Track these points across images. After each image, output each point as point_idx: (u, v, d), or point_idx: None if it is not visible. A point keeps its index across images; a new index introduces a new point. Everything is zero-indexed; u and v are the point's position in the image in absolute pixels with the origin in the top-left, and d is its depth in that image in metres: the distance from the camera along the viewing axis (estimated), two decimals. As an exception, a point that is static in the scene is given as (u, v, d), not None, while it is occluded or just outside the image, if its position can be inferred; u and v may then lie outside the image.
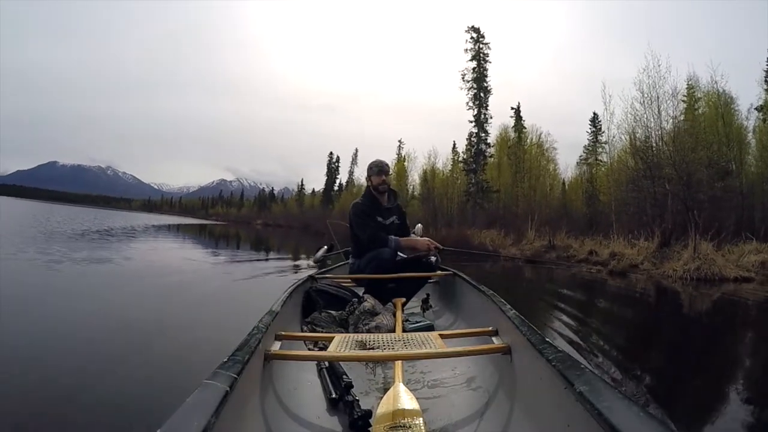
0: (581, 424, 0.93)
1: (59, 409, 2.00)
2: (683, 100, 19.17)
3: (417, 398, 1.46)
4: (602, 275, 10.91)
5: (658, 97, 16.04)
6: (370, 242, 3.31)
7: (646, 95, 16.36)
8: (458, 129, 26.51)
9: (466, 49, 27.27)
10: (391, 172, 3.61)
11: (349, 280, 3.49)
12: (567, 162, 28.41)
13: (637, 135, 17.36)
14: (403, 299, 3.09)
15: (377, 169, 3.44)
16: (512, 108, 28.61)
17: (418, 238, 3.62)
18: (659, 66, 16.09)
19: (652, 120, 16.18)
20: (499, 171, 26.08)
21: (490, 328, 1.94)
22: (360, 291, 3.11)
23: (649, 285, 9.28)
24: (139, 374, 2.49)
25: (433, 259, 3.45)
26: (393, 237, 3.35)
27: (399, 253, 3.37)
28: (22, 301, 4.19)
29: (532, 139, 27.08)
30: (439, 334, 1.86)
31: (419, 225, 4.49)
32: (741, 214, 17.11)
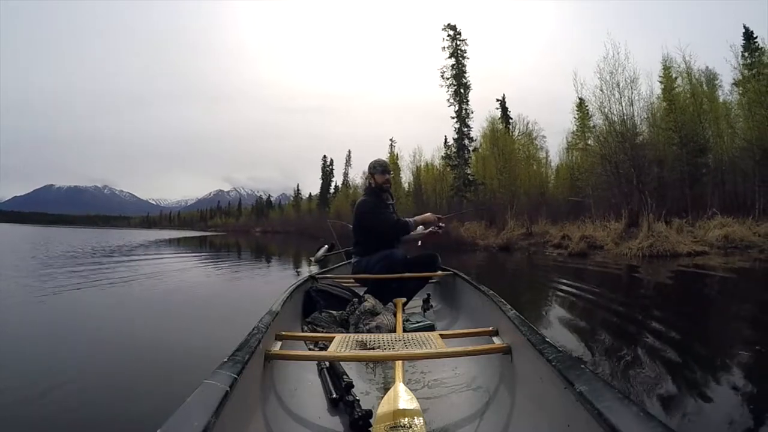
0: (581, 424, 0.95)
1: (63, 411, 2.05)
2: (660, 81, 19.84)
3: (417, 398, 1.48)
4: (563, 257, 11.79)
5: (618, 84, 16.59)
6: (394, 226, 3.39)
7: (606, 82, 16.89)
8: (449, 124, 26.84)
9: (444, 47, 27.72)
10: (392, 172, 3.66)
11: (350, 280, 3.50)
12: (560, 149, 29.01)
13: (598, 121, 18.29)
14: (404, 299, 3.11)
15: (381, 168, 3.47)
16: (497, 100, 29.18)
17: (426, 214, 3.70)
18: (618, 54, 16.64)
19: (613, 105, 16.78)
20: (483, 163, 26.57)
21: (491, 328, 1.95)
22: (361, 291, 3.12)
23: (595, 263, 10.07)
24: (142, 378, 2.54)
25: (442, 225, 3.65)
26: (408, 219, 3.50)
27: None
28: (35, 319, 4.16)
29: (519, 129, 27.74)
30: (440, 334, 1.87)
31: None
32: (722, 189, 17.82)
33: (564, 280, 7.11)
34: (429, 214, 3.69)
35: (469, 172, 26.82)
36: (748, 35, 18.57)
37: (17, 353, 3.11)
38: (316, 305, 2.81)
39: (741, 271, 7.80)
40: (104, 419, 2.00)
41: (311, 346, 2.23)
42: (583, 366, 1.10)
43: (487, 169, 25.83)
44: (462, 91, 27.22)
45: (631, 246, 11.27)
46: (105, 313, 4.53)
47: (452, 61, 27.46)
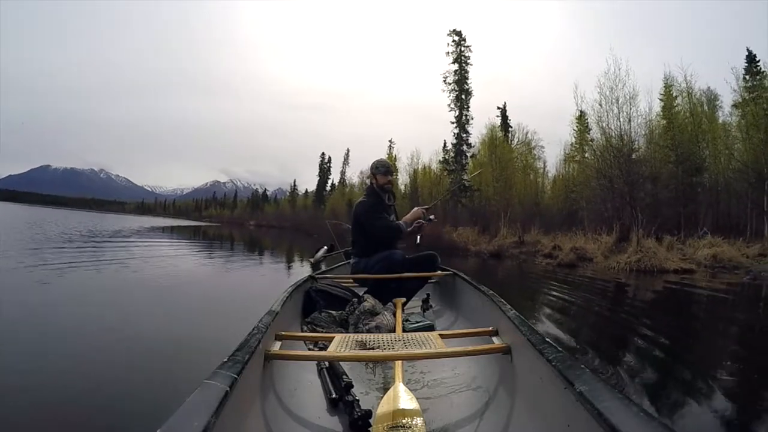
0: (581, 424, 0.95)
1: (62, 411, 2.01)
2: (660, 99, 20.10)
3: (417, 398, 1.49)
4: (551, 267, 11.92)
5: (618, 99, 16.72)
6: (387, 231, 3.38)
7: (605, 97, 17.05)
8: (449, 128, 26.95)
9: (448, 52, 27.81)
10: (394, 173, 3.69)
11: (350, 280, 3.50)
12: (558, 160, 29.33)
13: (596, 134, 18.46)
14: (403, 299, 3.10)
15: (384, 169, 3.49)
16: (498, 107, 29.57)
17: (414, 210, 3.70)
18: (619, 70, 16.80)
19: (611, 121, 16.95)
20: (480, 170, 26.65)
21: (490, 328, 1.95)
22: (360, 291, 3.11)
23: (581, 274, 10.23)
24: (141, 377, 2.48)
25: (432, 217, 3.68)
26: (400, 222, 3.51)
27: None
28: (25, 308, 4.04)
29: (518, 138, 27.96)
30: (439, 334, 1.87)
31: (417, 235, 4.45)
32: (715, 209, 18.10)
33: (546, 287, 7.30)
34: (416, 209, 3.70)
35: (465, 177, 26.94)
36: (751, 58, 18.75)
37: (10, 342, 3.05)
38: (315, 305, 2.82)
39: (720, 289, 7.90)
40: (103, 418, 1.97)
41: (311, 346, 2.23)
42: (583, 366, 1.10)
43: (483, 175, 25.95)
44: (463, 97, 27.36)
45: (619, 260, 11.39)
46: (102, 303, 4.47)
47: (455, 66, 27.63)
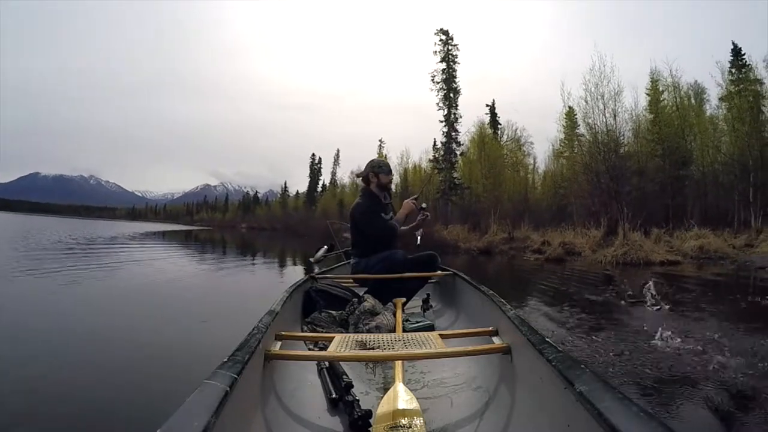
0: (581, 424, 0.95)
1: (65, 413, 2.04)
2: (647, 94, 20.35)
3: (417, 398, 1.49)
4: (539, 262, 12.15)
5: (603, 96, 16.95)
6: (384, 231, 3.37)
7: (591, 94, 17.27)
8: (438, 126, 26.97)
9: (435, 51, 27.88)
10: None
11: (350, 280, 3.49)
12: (546, 156, 29.52)
13: (581, 131, 18.93)
14: (404, 299, 3.10)
15: (387, 168, 3.49)
16: (487, 105, 29.77)
17: (404, 205, 3.64)
18: (603, 66, 17.04)
19: (597, 117, 17.20)
20: (470, 168, 26.66)
21: (490, 328, 1.95)
22: (360, 291, 3.10)
23: (568, 268, 10.45)
24: (141, 378, 2.52)
25: (424, 205, 3.63)
26: (394, 222, 3.47)
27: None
28: (30, 316, 4.09)
29: (507, 135, 28.21)
30: (439, 334, 1.87)
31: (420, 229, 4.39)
32: (703, 201, 18.41)
33: (531, 280, 7.52)
34: (405, 202, 3.65)
35: (455, 175, 27.01)
36: (736, 51, 18.93)
37: (13, 347, 3.09)
38: (315, 305, 2.80)
39: (701, 278, 7.98)
40: (104, 419, 2.00)
41: (311, 346, 2.22)
42: (583, 366, 1.09)
43: (473, 173, 26.01)
44: (451, 95, 27.40)
45: (606, 253, 11.57)
46: (103, 308, 4.54)
47: (443, 65, 27.66)
